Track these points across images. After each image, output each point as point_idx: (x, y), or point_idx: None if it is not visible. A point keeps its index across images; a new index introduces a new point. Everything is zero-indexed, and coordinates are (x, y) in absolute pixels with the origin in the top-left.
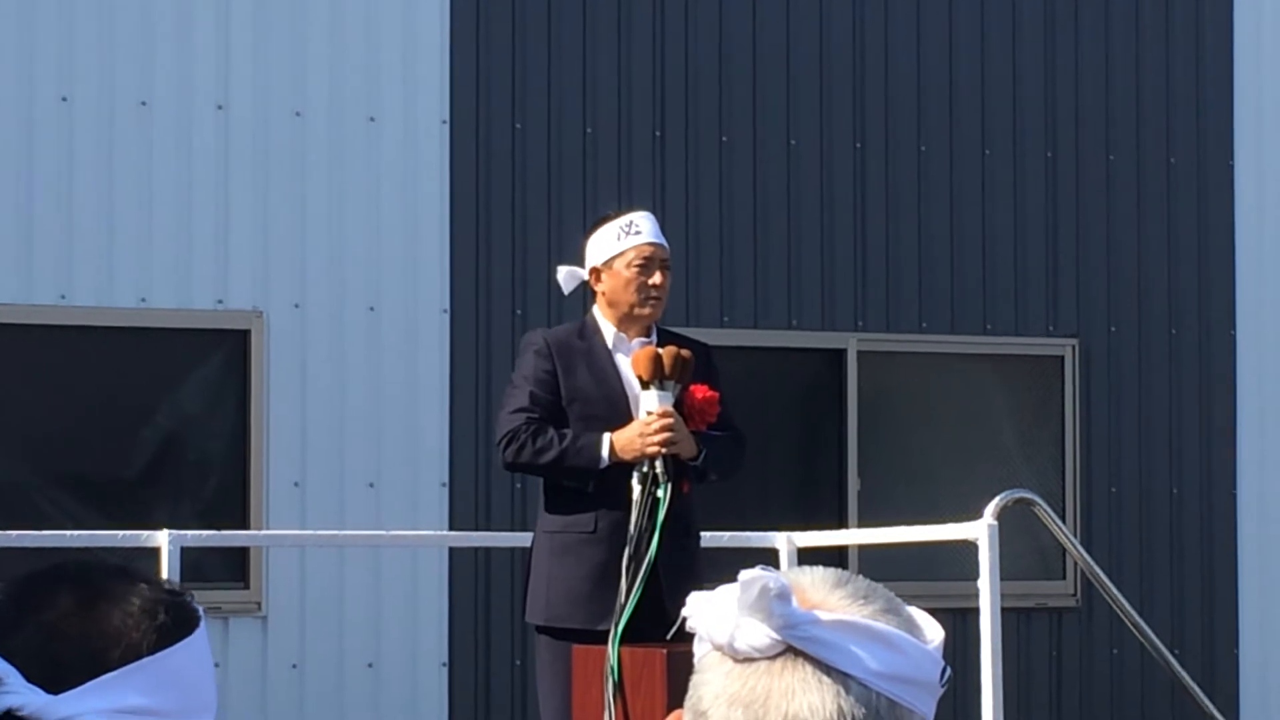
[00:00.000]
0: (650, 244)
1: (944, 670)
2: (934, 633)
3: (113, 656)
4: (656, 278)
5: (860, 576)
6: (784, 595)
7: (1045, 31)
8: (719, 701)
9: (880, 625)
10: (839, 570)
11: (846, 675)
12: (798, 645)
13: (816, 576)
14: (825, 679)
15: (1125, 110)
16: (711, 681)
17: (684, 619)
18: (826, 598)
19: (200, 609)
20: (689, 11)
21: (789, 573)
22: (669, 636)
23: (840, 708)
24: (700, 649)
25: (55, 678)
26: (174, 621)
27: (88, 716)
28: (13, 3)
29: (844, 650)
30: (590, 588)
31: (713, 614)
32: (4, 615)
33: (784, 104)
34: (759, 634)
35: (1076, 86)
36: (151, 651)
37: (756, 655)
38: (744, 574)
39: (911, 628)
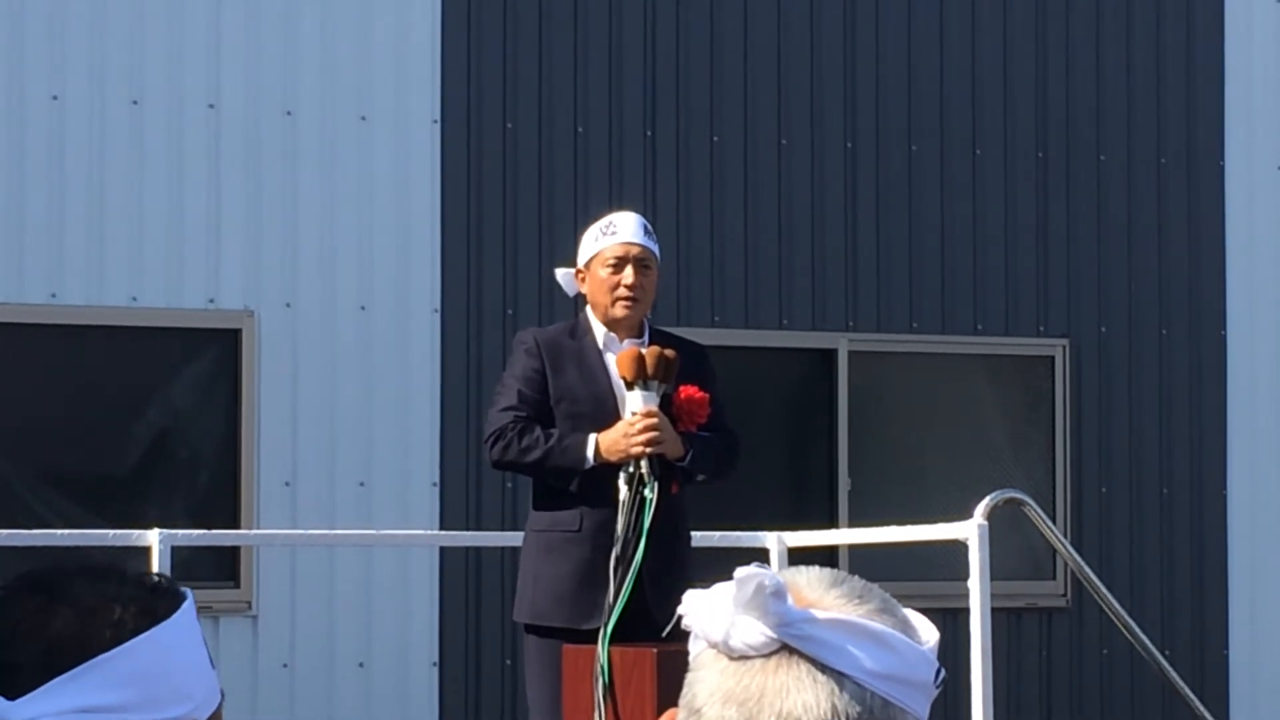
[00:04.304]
0: (623, 244)
1: (938, 671)
2: (929, 634)
3: (67, 657)
4: (628, 277)
5: (856, 576)
6: (779, 593)
7: (1036, 31)
8: (713, 699)
9: (875, 625)
10: (834, 570)
11: (841, 674)
12: (793, 643)
13: (812, 575)
14: (820, 677)
15: (1116, 110)
16: (706, 679)
17: (679, 617)
18: (822, 597)
19: (183, 597)
20: (680, 11)
21: (785, 571)
22: (664, 635)
23: (834, 706)
24: (695, 647)
25: (14, 683)
26: (135, 615)
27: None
28: (3, 1)
29: (839, 649)
30: (575, 586)
31: (708, 611)
32: None
33: (775, 104)
34: (754, 632)
35: (1067, 86)
36: (105, 649)
37: (751, 653)
38: (740, 572)
39: (906, 628)
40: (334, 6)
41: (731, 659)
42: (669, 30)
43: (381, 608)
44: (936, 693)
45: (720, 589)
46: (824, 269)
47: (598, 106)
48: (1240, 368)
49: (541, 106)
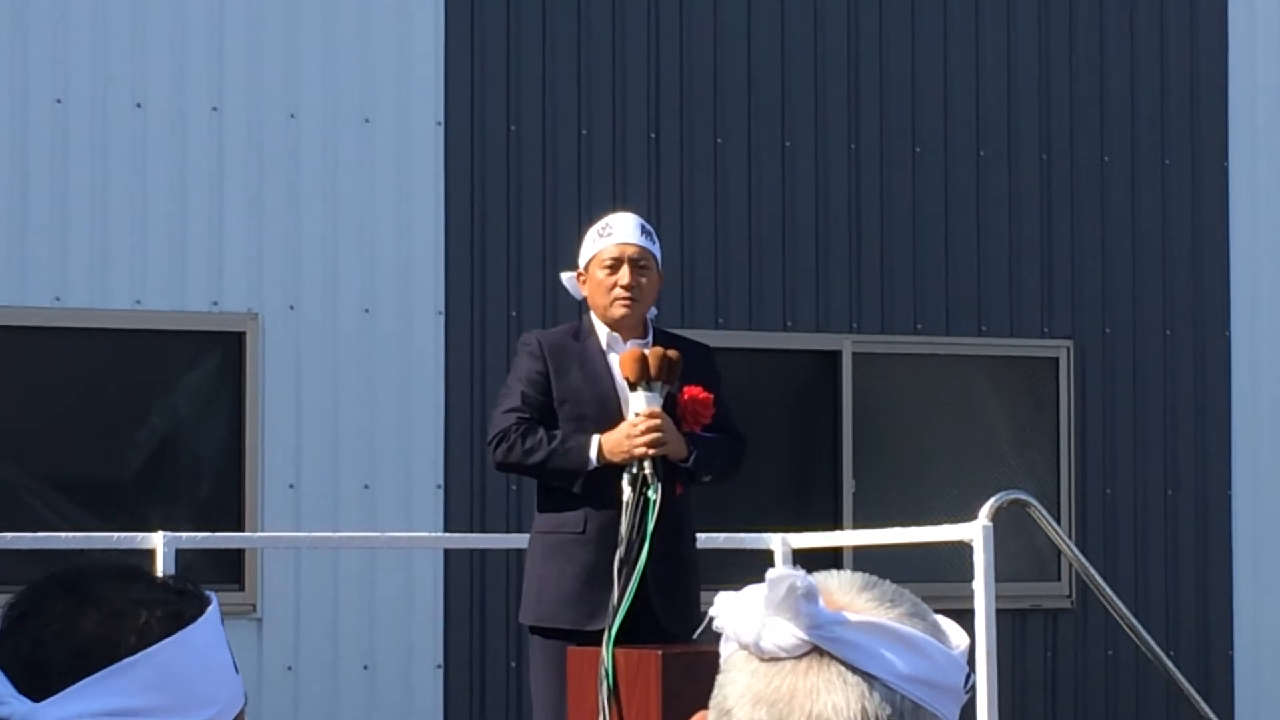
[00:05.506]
0: (618, 244)
1: (968, 676)
2: (958, 638)
3: (94, 660)
4: (624, 277)
5: (886, 581)
6: (811, 595)
7: (1040, 33)
8: (744, 700)
9: (906, 629)
10: (865, 574)
11: (872, 676)
12: (824, 645)
13: (844, 579)
14: (850, 679)
15: (1120, 112)
16: (737, 680)
17: (710, 619)
18: (853, 600)
19: (208, 601)
20: (683, 13)
21: (815, 575)
22: (695, 637)
23: (864, 709)
24: (726, 648)
25: (41, 685)
26: (162, 619)
27: None
28: (7, 4)
29: (870, 652)
30: (579, 588)
31: (740, 613)
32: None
33: (778, 105)
34: (785, 633)
35: (1071, 88)
36: (131, 652)
37: (782, 655)
38: (771, 573)
39: (936, 633)
40: (336, 9)
41: (762, 660)
42: (672, 32)
43: (386, 610)
44: (966, 698)
45: (752, 590)
46: (828, 271)
47: (601, 108)
48: (1244, 369)
49: (545, 108)
